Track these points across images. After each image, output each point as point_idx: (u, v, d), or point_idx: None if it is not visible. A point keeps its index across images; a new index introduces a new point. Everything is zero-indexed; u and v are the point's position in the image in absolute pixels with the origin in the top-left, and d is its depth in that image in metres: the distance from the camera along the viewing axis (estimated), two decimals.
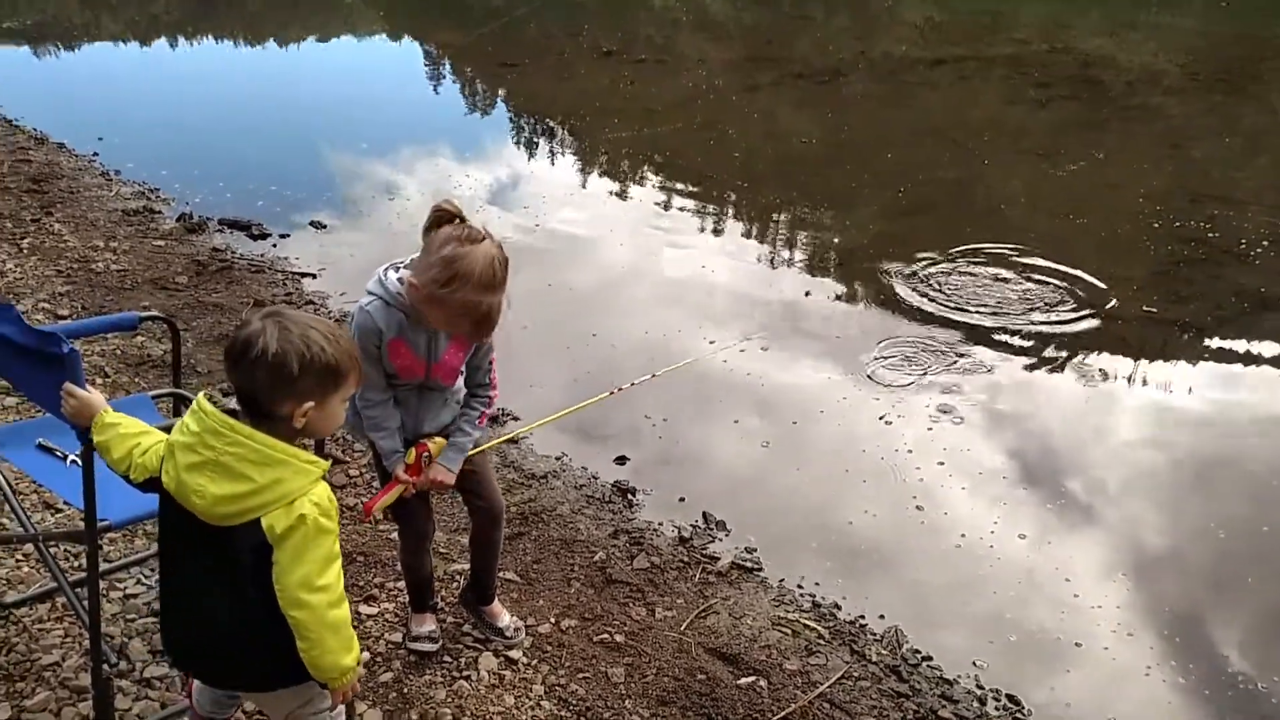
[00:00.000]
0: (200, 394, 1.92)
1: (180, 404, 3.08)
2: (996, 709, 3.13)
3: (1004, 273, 6.70)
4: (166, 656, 2.36)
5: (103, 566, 3.10)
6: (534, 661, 3.10)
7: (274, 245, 6.90)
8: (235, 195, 7.90)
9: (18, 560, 3.22)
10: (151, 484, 1.98)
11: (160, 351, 4.91)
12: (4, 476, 2.69)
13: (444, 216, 2.48)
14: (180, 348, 3.19)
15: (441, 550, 3.60)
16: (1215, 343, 5.81)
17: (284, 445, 1.84)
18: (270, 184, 8.22)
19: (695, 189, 8.77)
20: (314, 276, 6.32)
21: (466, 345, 2.69)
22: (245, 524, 1.83)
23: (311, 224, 7.28)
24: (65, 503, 3.34)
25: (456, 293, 2.41)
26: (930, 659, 3.33)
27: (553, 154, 10.09)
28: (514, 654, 3.12)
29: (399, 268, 2.56)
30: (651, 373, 4.55)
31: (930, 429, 4.82)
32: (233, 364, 1.85)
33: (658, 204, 8.46)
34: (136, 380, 4.64)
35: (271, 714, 2.20)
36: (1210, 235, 7.36)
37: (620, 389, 4.41)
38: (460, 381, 2.83)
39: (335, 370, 1.88)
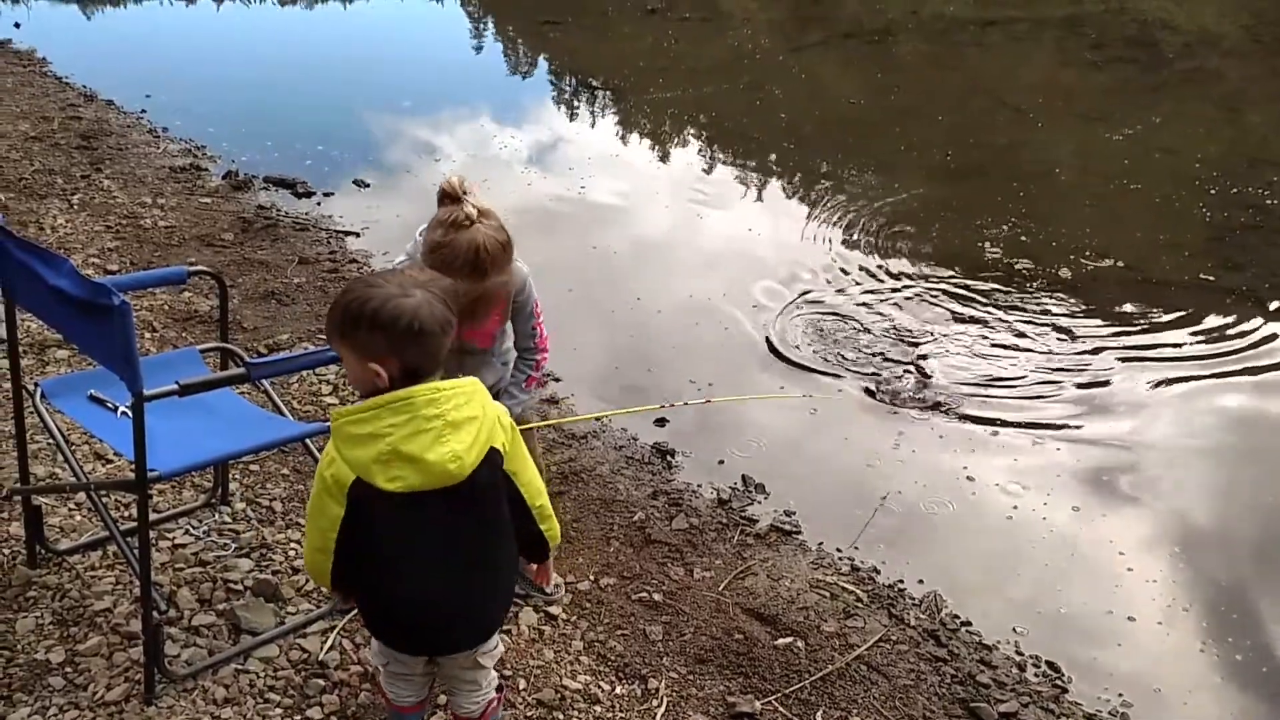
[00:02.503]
0: (352, 409, 1.89)
1: (229, 359, 3.11)
2: (1036, 675, 3.11)
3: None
4: (387, 653, 2.35)
5: (152, 517, 3.18)
6: (573, 618, 3.13)
7: (318, 204, 6.94)
8: (281, 154, 7.95)
9: (70, 509, 3.29)
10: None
11: (208, 307, 4.97)
12: (57, 427, 2.74)
13: (445, 195, 2.50)
14: (228, 303, 3.22)
15: None
16: (1274, 311, 5.65)
17: (457, 379, 1.93)
18: (315, 143, 8.25)
19: (740, 151, 8.68)
20: (357, 235, 6.35)
21: (503, 312, 2.70)
22: (487, 458, 1.92)
23: (355, 183, 7.30)
24: (116, 453, 3.40)
25: (438, 252, 2.45)
26: (969, 624, 3.31)
27: (595, 115, 10.04)
28: (554, 610, 3.14)
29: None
30: (708, 398, 4.58)
31: (981, 399, 4.76)
32: (415, 344, 1.86)
33: (702, 167, 8.40)
34: (184, 335, 4.71)
35: (459, 666, 2.25)
36: (1269, 202, 7.16)
37: (672, 404, 4.45)
38: (506, 344, 2.84)
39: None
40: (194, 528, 3.24)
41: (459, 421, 1.87)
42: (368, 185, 7.29)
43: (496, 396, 2.78)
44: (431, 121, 9.30)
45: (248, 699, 2.61)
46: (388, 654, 2.24)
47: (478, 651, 2.20)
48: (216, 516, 3.32)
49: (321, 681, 2.69)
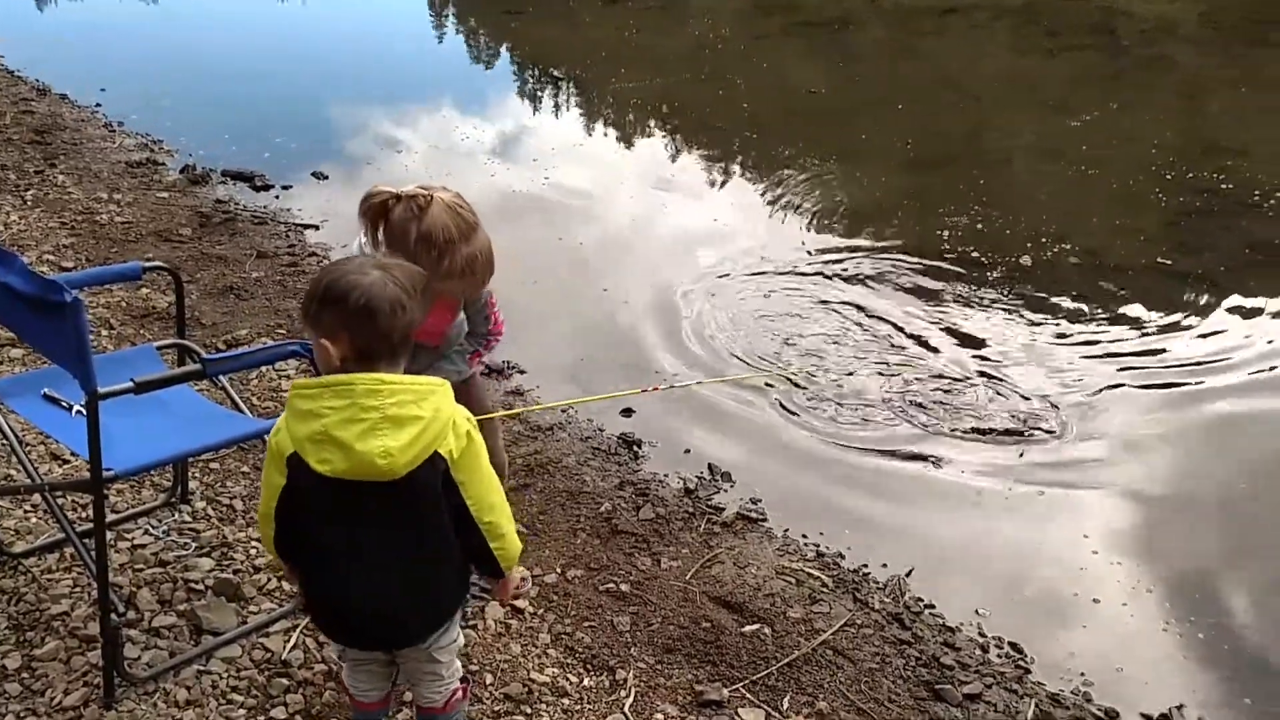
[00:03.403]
0: (305, 381, 1.88)
1: (185, 355, 3.07)
2: (999, 657, 3.15)
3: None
4: (338, 644, 2.40)
5: (110, 517, 3.13)
6: (540, 611, 3.12)
7: (276, 197, 6.87)
8: (239, 147, 7.84)
9: (25, 511, 3.24)
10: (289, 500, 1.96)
11: (165, 304, 4.90)
12: (11, 427, 2.69)
13: (383, 205, 2.40)
14: (184, 298, 3.18)
15: None
16: (1227, 295, 5.74)
17: (420, 377, 1.90)
18: (274, 136, 8.16)
19: (703, 141, 8.68)
20: (316, 228, 6.29)
21: (453, 307, 2.67)
22: (428, 461, 1.87)
23: (314, 175, 7.23)
24: (72, 453, 3.35)
25: (456, 258, 2.39)
26: (933, 607, 3.34)
27: (558, 105, 9.99)
28: (520, 603, 3.13)
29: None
30: (698, 379, 4.57)
31: (950, 383, 4.80)
32: (364, 322, 1.84)
33: (666, 157, 8.39)
34: (141, 332, 4.64)
35: (416, 659, 2.23)
36: (1224, 187, 7.26)
37: (656, 388, 4.43)
38: (458, 336, 2.81)
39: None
40: (153, 527, 3.20)
41: (400, 418, 1.83)
42: (326, 177, 7.22)
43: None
44: (392, 113, 9.21)
45: (210, 700, 2.59)
46: (341, 647, 2.24)
47: (433, 646, 2.17)
48: (176, 516, 3.28)
49: (285, 681, 2.67)
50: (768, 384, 4.74)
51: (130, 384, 2.34)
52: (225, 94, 9.60)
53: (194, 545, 3.14)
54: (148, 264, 3.03)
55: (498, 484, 2.06)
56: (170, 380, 2.48)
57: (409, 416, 1.83)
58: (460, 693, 2.32)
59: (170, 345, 3.14)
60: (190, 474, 3.44)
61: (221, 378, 2.99)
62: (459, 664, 2.32)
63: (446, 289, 2.46)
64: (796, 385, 4.73)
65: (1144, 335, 5.32)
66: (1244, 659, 3.22)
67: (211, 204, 6.50)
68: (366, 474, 1.83)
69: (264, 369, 4.33)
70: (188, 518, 3.28)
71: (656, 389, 4.46)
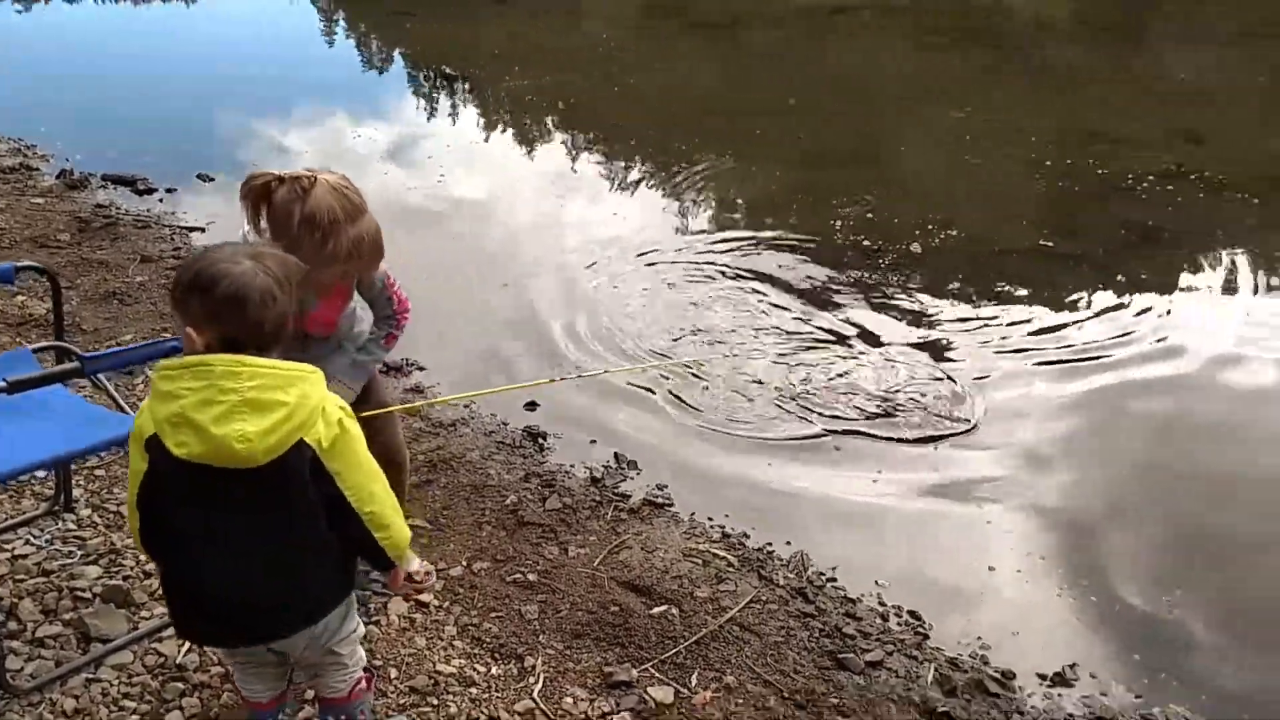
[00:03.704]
0: (167, 362, 1.81)
1: (63, 356, 2.95)
2: (899, 625, 3.23)
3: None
4: (201, 639, 2.36)
5: None
6: (445, 604, 3.09)
7: (160, 200, 6.66)
8: (120, 152, 7.56)
9: None
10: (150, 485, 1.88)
11: (43, 310, 4.69)
12: None
13: (264, 187, 2.33)
14: (61, 299, 3.07)
15: None
16: (1107, 274, 5.99)
17: (287, 363, 1.83)
18: (156, 140, 7.90)
19: (599, 138, 8.71)
20: (202, 231, 6.11)
21: (344, 294, 2.61)
22: (294, 449, 1.80)
23: (199, 177, 7.02)
24: None
25: (341, 241, 2.33)
26: (835, 580, 3.41)
27: (454, 107, 9.90)
28: (424, 598, 3.09)
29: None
30: (602, 370, 4.56)
31: (843, 362, 4.90)
32: (232, 312, 1.78)
33: (563, 153, 8.38)
34: (18, 340, 4.43)
35: (313, 653, 2.15)
36: (1100, 172, 7.59)
37: (562, 378, 4.41)
38: (359, 328, 2.76)
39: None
40: (35, 537, 3.06)
41: (260, 403, 1.76)
42: (212, 179, 7.02)
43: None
44: (282, 118, 9.00)
45: (100, 708, 2.49)
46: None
47: (331, 641, 2.13)
48: (60, 524, 3.15)
49: (180, 685, 2.59)
50: (664, 375, 4.76)
51: (2, 383, 2.24)
52: (105, 99, 9.27)
53: (79, 553, 3.02)
54: (20, 265, 2.90)
55: (379, 473, 1.99)
56: (46, 379, 2.38)
57: (270, 401, 1.77)
58: (364, 682, 2.28)
59: (47, 348, 3.01)
60: (75, 481, 3.31)
61: (104, 379, 2.88)
62: (362, 653, 2.28)
63: (333, 275, 2.41)
64: (697, 376, 4.78)
65: (1032, 317, 5.51)
66: (1133, 620, 3.35)
67: (91, 209, 6.26)
68: (224, 459, 1.76)
69: (149, 371, 4.18)
70: (72, 526, 3.15)
71: (559, 380, 4.46)
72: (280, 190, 2.31)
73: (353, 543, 2.00)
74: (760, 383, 4.74)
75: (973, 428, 4.40)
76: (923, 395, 4.64)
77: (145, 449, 1.83)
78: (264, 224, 2.36)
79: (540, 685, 2.77)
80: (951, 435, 4.34)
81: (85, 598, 2.84)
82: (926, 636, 3.19)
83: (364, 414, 2.78)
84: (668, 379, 4.73)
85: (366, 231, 2.37)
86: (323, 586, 2.06)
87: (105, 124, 8.37)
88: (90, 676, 2.57)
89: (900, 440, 4.31)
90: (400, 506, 3.05)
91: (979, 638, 3.22)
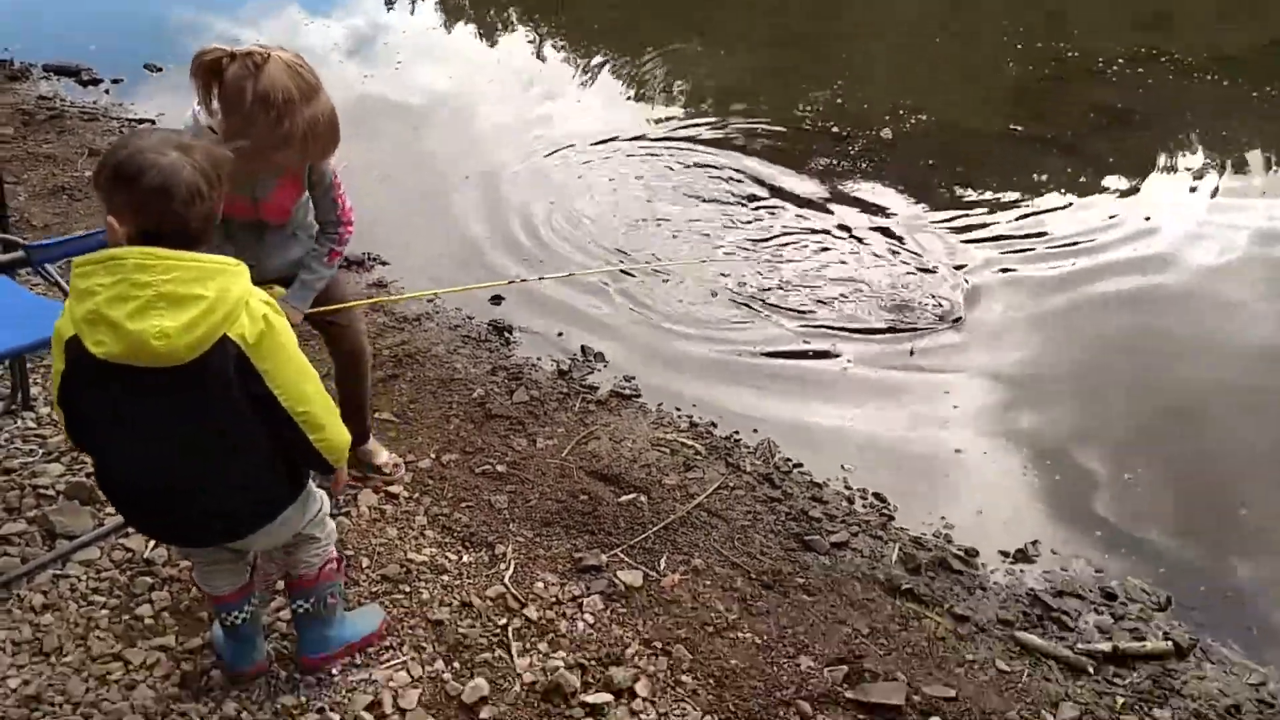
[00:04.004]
0: (81, 258, 1.72)
1: (9, 248, 2.85)
2: (864, 507, 3.28)
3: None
4: (168, 544, 2.44)
5: None
6: (415, 495, 3.09)
7: (106, 91, 6.41)
8: (60, 41, 7.23)
9: None
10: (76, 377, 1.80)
11: None
12: None
13: (216, 63, 2.21)
14: (3, 191, 2.95)
15: None
16: (1075, 156, 5.95)
17: (208, 255, 1.74)
18: (98, 30, 7.56)
19: (563, 24, 8.45)
20: (153, 122, 5.88)
21: (298, 182, 2.52)
22: (215, 346, 1.73)
23: (146, 68, 6.74)
24: None
25: (295, 120, 2.23)
26: (801, 466, 3.45)
27: None
28: (394, 489, 3.09)
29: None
30: (569, 271, 4.46)
31: (815, 254, 4.87)
32: (155, 205, 1.69)
33: (525, 42, 8.14)
34: None
35: (278, 542, 2.15)
36: (1069, 55, 7.49)
37: (524, 280, 4.31)
38: (310, 217, 2.68)
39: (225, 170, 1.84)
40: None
41: (178, 297, 1.68)
42: (161, 69, 6.75)
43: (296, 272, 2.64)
44: (231, 7, 8.62)
45: (69, 603, 2.49)
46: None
47: (297, 529, 2.12)
48: (19, 423, 3.10)
49: (149, 579, 2.58)
50: (625, 272, 4.70)
51: None
52: None
53: (40, 451, 2.98)
54: None
55: (311, 373, 1.91)
56: None
57: (188, 295, 1.69)
58: (334, 563, 2.28)
59: None
60: (32, 379, 3.24)
61: (53, 271, 2.80)
62: (332, 526, 2.27)
63: (288, 158, 2.32)
64: (659, 273, 4.72)
65: (1000, 201, 5.48)
66: (1095, 497, 3.43)
67: (34, 100, 6.02)
68: (144, 358, 1.69)
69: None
70: (32, 424, 3.10)
71: (522, 281, 4.39)
72: (232, 67, 2.21)
73: (289, 445, 1.92)
74: (729, 277, 4.69)
75: (947, 319, 4.41)
76: (890, 285, 4.64)
77: (65, 349, 1.75)
78: (215, 104, 2.26)
79: (511, 571, 2.79)
80: (921, 328, 4.35)
81: (49, 495, 2.82)
82: (891, 518, 3.25)
83: (325, 309, 2.73)
84: (632, 276, 4.68)
85: (322, 112, 2.27)
86: (267, 486, 2.00)
87: (43, 13, 7.99)
88: (58, 573, 2.57)
89: (867, 332, 4.31)
90: (365, 407, 3.06)
91: (943, 518, 3.29)
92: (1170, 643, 2.78)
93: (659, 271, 4.71)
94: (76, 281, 1.71)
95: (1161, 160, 6.01)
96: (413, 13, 8.93)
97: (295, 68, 2.24)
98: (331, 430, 1.95)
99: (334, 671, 2.39)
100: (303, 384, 1.87)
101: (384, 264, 4.67)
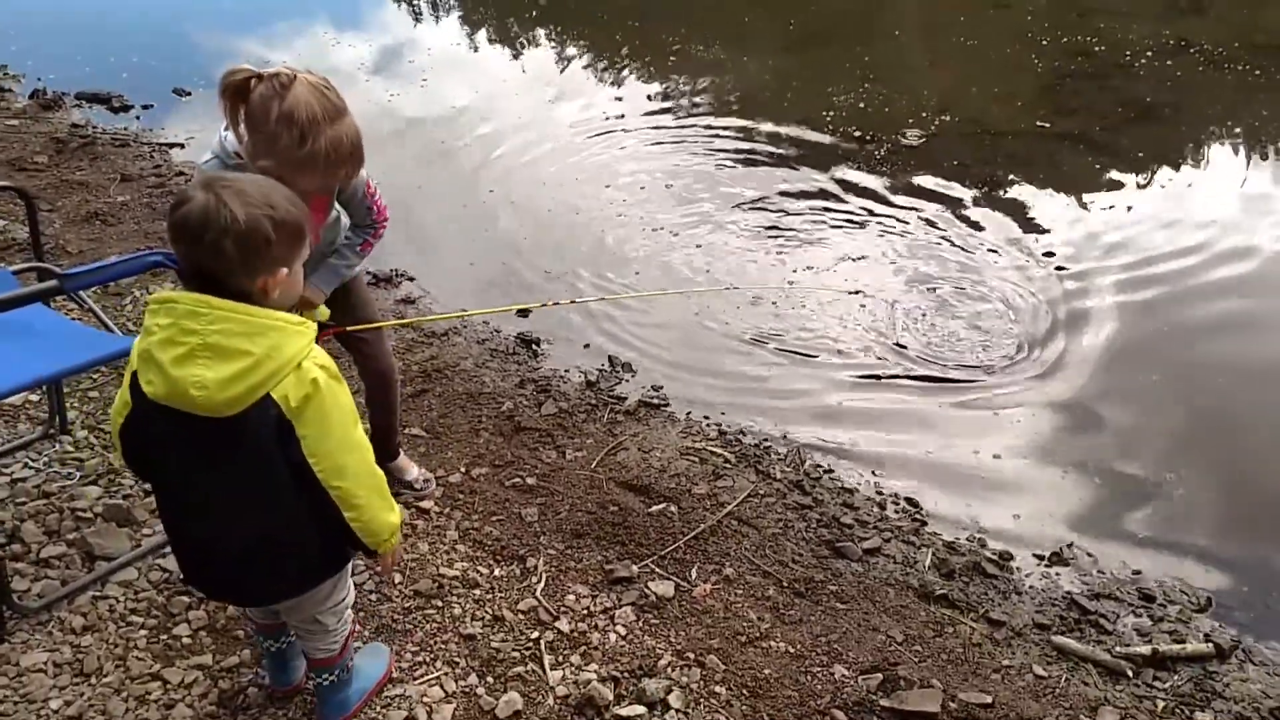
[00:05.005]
0: (158, 294, 1.72)
1: (43, 277, 2.90)
2: (896, 512, 3.26)
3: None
4: (195, 591, 2.41)
5: None
6: (446, 509, 3.11)
7: (137, 118, 6.52)
8: (93, 69, 7.37)
9: None
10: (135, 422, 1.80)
11: (25, 234, 4.61)
12: None
13: (243, 84, 2.23)
14: (37, 219, 3.01)
15: None
16: (1104, 153, 5.88)
17: (268, 310, 1.70)
18: (130, 56, 7.69)
19: (585, 34, 8.47)
20: (182, 146, 5.99)
21: (325, 205, 2.54)
22: (257, 405, 1.68)
23: (175, 92, 6.85)
24: None
25: (319, 141, 2.24)
26: (832, 472, 3.43)
27: (436, 11, 9.61)
28: (425, 504, 3.11)
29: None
30: (600, 296, 4.45)
31: (831, 265, 4.86)
32: (192, 243, 1.65)
33: (548, 53, 8.17)
34: (4, 264, 4.38)
35: (297, 617, 2.10)
36: (1097, 49, 7.41)
37: (555, 303, 4.31)
38: (334, 239, 2.70)
39: (301, 229, 1.76)
40: (33, 460, 3.07)
41: (223, 349, 1.65)
42: (189, 94, 6.86)
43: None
44: (262, 31, 8.76)
45: (108, 624, 2.52)
46: None
47: (318, 610, 2.07)
48: (57, 446, 3.15)
49: (186, 598, 2.61)
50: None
51: None
52: (75, 15, 8.99)
53: (78, 474, 3.03)
54: None
55: (358, 445, 1.82)
56: (23, 299, 2.34)
57: (234, 350, 1.66)
58: (352, 634, 2.26)
59: (28, 269, 2.97)
60: (69, 403, 3.30)
61: (88, 299, 2.84)
62: (349, 616, 2.21)
63: (311, 182, 2.33)
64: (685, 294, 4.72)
65: (1035, 202, 5.42)
66: (1135, 498, 3.38)
67: (67, 129, 6.13)
68: (184, 404, 1.68)
69: (137, 293, 4.15)
70: (70, 448, 3.15)
71: (552, 304, 4.37)
72: (259, 87, 2.23)
73: (329, 518, 1.84)
74: (762, 285, 4.69)
75: (974, 324, 4.37)
76: (919, 295, 4.60)
77: (130, 383, 1.77)
78: (242, 127, 2.29)
79: (542, 584, 2.80)
80: (945, 326, 4.31)
81: (87, 517, 2.86)
82: (924, 523, 3.22)
83: (352, 329, 2.75)
84: (661, 289, 4.67)
85: (346, 133, 2.28)
86: (298, 560, 1.94)
87: (78, 42, 8.13)
88: (97, 594, 2.60)
89: (896, 339, 4.28)
90: (394, 424, 3.08)
91: (977, 521, 3.26)
92: (1211, 644, 2.74)
93: (687, 292, 4.69)
94: (145, 316, 1.72)
95: (1190, 154, 5.92)
96: (438, 28, 9.01)
97: (321, 89, 2.25)
98: (369, 512, 1.86)
99: None
100: (342, 456, 1.79)
101: (410, 279, 4.70)
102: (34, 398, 3.35)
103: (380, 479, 1.89)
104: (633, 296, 4.59)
